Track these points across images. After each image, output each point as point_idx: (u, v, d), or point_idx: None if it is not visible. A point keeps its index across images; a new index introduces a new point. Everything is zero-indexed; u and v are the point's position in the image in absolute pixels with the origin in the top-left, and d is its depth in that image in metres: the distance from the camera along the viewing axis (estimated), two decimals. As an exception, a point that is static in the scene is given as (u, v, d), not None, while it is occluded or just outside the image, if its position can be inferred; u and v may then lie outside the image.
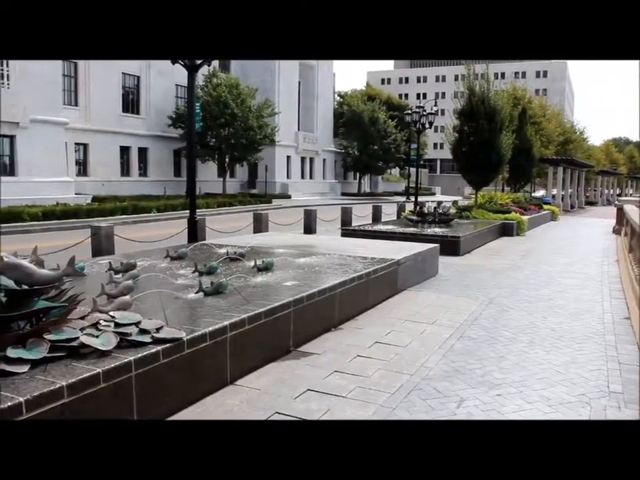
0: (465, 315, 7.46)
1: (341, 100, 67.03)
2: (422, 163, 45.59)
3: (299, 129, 55.58)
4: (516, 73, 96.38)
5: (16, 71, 27.99)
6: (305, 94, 57.02)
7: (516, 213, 21.26)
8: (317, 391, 4.63)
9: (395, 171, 77.59)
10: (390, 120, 59.88)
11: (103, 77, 37.40)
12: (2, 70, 27.85)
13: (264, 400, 4.41)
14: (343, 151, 60.44)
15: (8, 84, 28.38)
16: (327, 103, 60.90)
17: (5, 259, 3.91)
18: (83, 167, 37.43)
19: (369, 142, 57.38)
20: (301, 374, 5.02)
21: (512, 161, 26.74)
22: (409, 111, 32.05)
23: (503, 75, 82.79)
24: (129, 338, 3.86)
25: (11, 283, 3.92)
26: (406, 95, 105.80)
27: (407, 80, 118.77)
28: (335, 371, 5.11)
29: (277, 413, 4.19)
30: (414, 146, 46.88)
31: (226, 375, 4.61)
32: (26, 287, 3.95)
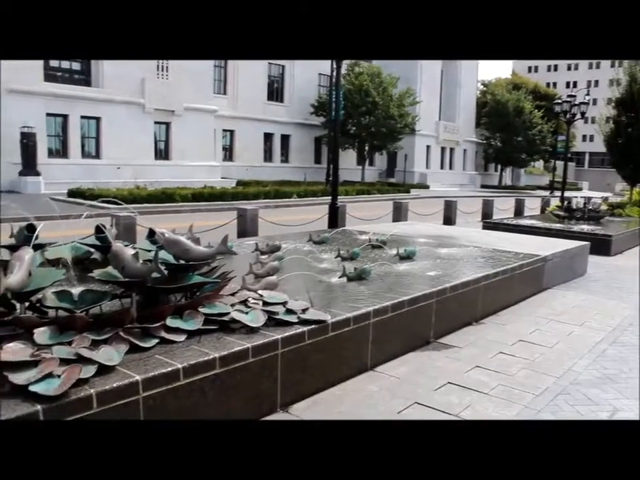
0: (617, 319, 6.94)
1: (485, 89, 64.78)
2: (569, 155, 43.06)
3: (439, 119, 54.54)
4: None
5: (173, 63, 29.88)
6: (447, 83, 55.77)
7: (677, 212, 19.48)
8: (457, 385, 4.51)
9: (539, 164, 73.99)
10: (536, 110, 57.07)
11: (250, 66, 38.86)
12: (162, 63, 29.81)
13: (403, 389, 4.36)
14: (485, 141, 58.53)
15: (166, 75, 30.35)
16: (470, 91, 59.16)
17: (166, 235, 4.16)
18: (229, 153, 39.25)
19: (512, 133, 55.07)
20: (441, 366, 4.92)
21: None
22: (559, 100, 30.38)
23: (668, 60, 76.04)
24: (276, 317, 3.97)
25: (170, 258, 4.17)
26: (554, 84, 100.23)
27: (555, 67, 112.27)
28: (477, 366, 4.95)
29: (416, 403, 4.13)
30: (562, 138, 44.37)
31: (366, 360, 4.62)
32: (183, 262, 4.19)
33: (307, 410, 3.92)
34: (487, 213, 18.88)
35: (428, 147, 52.82)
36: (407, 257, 6.92)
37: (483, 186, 57.73)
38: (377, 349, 4.69)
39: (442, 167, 55.43)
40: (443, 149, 55.38)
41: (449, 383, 4.55)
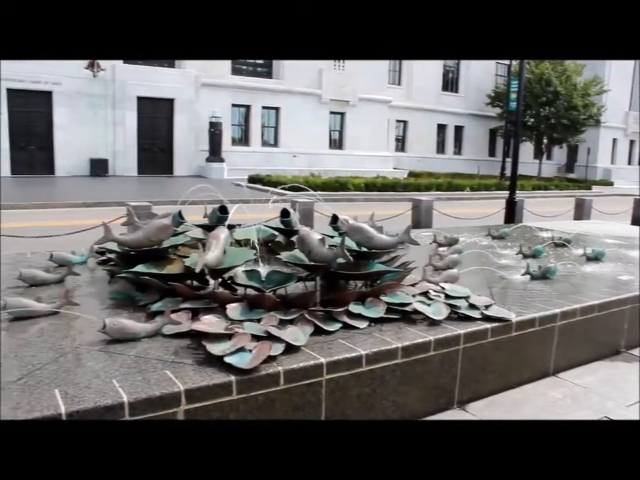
0: None
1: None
2: None
3: (629, 109, 50.18)
4: None
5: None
6: (642, 69, 51.10)
7: None
8: (653, 402, 4.11)
9: None
10: None
11: (426, 56, 38.50)
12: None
13: (590, 400, 4.05)
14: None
15: (343, 66, 30.99)
16: (669, 79, 53.72)
17: (350, 222, 4.22)
18: (401, 143, 39.29)
19: None
20: (633, 380, 4.49)
21: None
22: None
23: None
24: (458, 311, 3.87)
25: (352, 245, 4.22)
26: None
27: None
28: (676, 384, 4.47)
29: (605, 417, 3.82)
30: None
31: (549, 365, 4.36)
32: (365, 250, 4.22)
33: (484, 410, 3.78)
34: (685, 214, 17.04)
35: (614, 140, 48.94)
36: (595, 258, 6.44)
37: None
38: (561, 354, 4.41)
39: (629, 163, 51.05)
40: (631, 143, 50.97)
41: (643, 399, 4.16)
